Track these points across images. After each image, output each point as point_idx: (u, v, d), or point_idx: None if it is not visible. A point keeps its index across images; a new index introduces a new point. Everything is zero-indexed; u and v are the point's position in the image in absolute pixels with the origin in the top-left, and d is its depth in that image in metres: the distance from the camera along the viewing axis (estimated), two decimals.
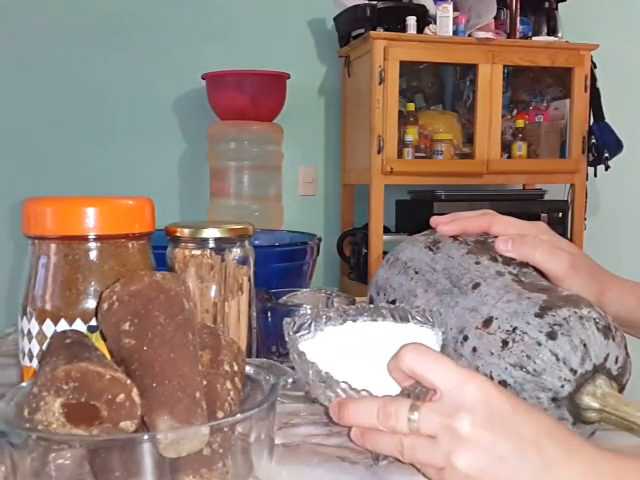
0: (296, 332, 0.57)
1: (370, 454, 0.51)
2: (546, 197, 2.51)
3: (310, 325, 0.58)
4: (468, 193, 2.43)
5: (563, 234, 2.38)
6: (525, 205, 2.47)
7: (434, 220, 0.66)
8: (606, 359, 0.52)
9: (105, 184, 2.38)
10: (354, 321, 0.59)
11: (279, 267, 0.87)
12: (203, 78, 2.36)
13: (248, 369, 0.51)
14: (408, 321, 0.58)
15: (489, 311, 0.56)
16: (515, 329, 0.53)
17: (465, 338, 0.56)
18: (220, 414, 0.44)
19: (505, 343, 0.53)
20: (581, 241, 2.44)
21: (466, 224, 0.65)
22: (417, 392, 0.47)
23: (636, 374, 0.60)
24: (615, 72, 2.64)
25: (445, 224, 0.65)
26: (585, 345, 0.51)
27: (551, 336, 0.52)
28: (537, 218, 2.38)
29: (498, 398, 0.44)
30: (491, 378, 0.53)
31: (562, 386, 0.51)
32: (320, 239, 0.93)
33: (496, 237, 0.65)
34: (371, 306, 0.61)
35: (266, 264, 0.81)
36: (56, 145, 2.43)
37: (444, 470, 0.44)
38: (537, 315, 0.53)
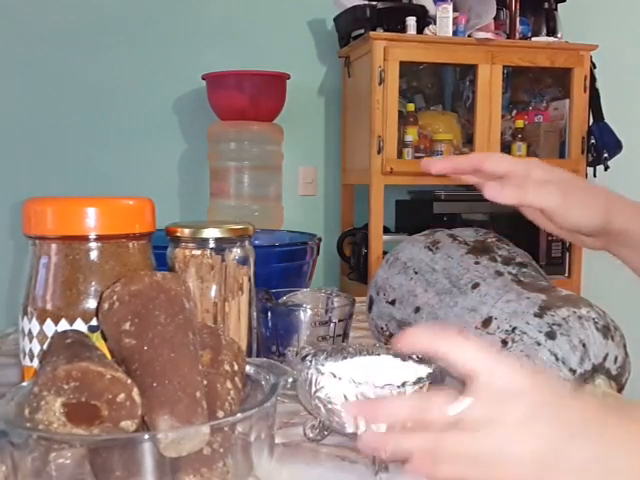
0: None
1: (372, 464, 0.51)
2: None
3: (311, 361, 0.58)
4: (468, 193, 2.42)
5: None
6: None
7: (425, 163, 0.60)
8: (605, 359, 0.52)
9: (105, 184, 2.38)
10: (352, 358, 0.59)
11: (279, 267, 0.87)
12: (203, 78, 2.36)
13: (248, 369, 0.51)
14: (405, 360, 0.58)
15: (488, 311, 0.56)
16: (514, 329, 0.53)
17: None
18: (220, 414, 0.44)
19: (504, 343, 0.53)
20: None
21: (457, 161, 0.61)
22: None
23: (636, 373, 0.60)
24: (615, 72, 2.64)
25: (435, 163, 0.60)
26: (584, 345, 0.51)
27: (550, 336, 0.52)
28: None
29: (542, 385, 0.42)
30: None
31: None
32: (320, 239, 0.93)
33: (496, 237, 0.65)
34: (369, 344, 0.61)
35: (266, 264, 0.81)
36: (56, 145, 2.43)
37: (489, 463, 0.41)
38: (536, 315, 0.53)
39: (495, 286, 0.57)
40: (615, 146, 2.41)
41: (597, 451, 0.40)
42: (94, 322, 0.52)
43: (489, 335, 0.54)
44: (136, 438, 0.41)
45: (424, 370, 0.54)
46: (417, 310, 0.62)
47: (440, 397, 0.43)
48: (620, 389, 0.54)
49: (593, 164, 2.46)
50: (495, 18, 2.35)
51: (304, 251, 0.90)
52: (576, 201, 0.58)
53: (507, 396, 0.41)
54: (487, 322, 0.55)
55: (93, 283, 0.54)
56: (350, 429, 0.51)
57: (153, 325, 0.44)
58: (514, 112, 2.59)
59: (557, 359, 0.51)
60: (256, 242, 0.77)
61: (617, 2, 2.82)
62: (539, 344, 0.52)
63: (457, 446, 0.42)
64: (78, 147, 2.44)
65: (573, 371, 0.51)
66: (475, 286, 0.59)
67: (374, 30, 2.25)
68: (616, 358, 0.53)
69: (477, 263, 0.61)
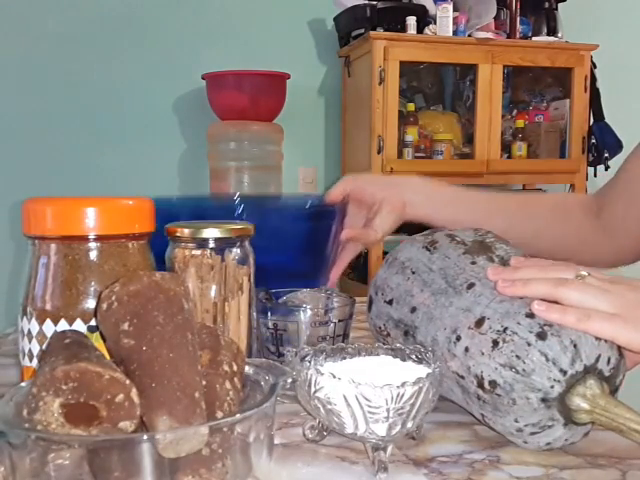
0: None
1: (372, 465, 0.51)
2: None
3: (310, 362, 0.58)
4: None
5: None
6: None
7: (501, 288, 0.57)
8: (597, 360, 0.52)
9: (105, 184, 2.39)
10: (351, 358, 0.59)
11: (307, 229, 0.79)
12: (203, 78, 2.36)
13: (248, 369, 0.51)
14: (405, 360, 0.58)
15: (482, 311, 0.56)
16: (506, 329, 0.53)
17: (458, 338, 0.56)
18: (219, 414, 0.44)
19: (495, 343, 0.53)
20: None
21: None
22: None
23: (631, 375, 0.60)
24: (615, 72, 2.64)
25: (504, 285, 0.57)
26: (575, 346, 0.51)
27: (541, 336, 0.52)
28: None
29: None
30: (482, 378, 0.53)
31: (552, 387, 0.51)
32: (347, 203, 0.86)
33: (494, 237, 0.65)
34: (368, 345, 0.61)
35: (294, 226, 0.76)
36: (56, 145, 2.43)
37: (615, 316, 0.51)
38: (528, 315, 0.53)
39: (490, 286, 0.57)
40: (616, 146, 2.41)
41: None
42: (93, 322, 0.52)
43: (481, 335, 0.54)
44: (135, 439, 0.41)
45: (424, 370, 0.54)
46: (413, 310, 0.62)
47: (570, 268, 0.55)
48: (614, 391, 0.54)
49: (594, 164, 2.46)
50: (495, 18, 2.35)
51: (333, 212, 0.81)
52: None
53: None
54: (480, 322, 0.55)
55: (92, 283, 0.54)
56: (349, 429, 0.51)
57: (152, 325, 0.44)
58: (514, 112, 2.59)
59: (547, 359, 0.51)
60: (276, 206, 0.75)
61: (617, 2, 2.82)
62: (529, 344, 0.52)
63: (581, 294, 0.53)
64: (78, 147, 2.44)
65: (564, 372, 0.51)
66: (470, 286, 0.59)
67: (374, 30, 2.25)
68: (609, 359, 0.53)
69: (473, 263, 0.61)
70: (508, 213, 0.89)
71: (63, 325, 0.53)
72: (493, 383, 0.52)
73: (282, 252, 0.69)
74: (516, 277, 0.56)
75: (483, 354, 0.54)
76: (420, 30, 2.28)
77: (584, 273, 0.55)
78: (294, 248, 0.71)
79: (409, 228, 0.88)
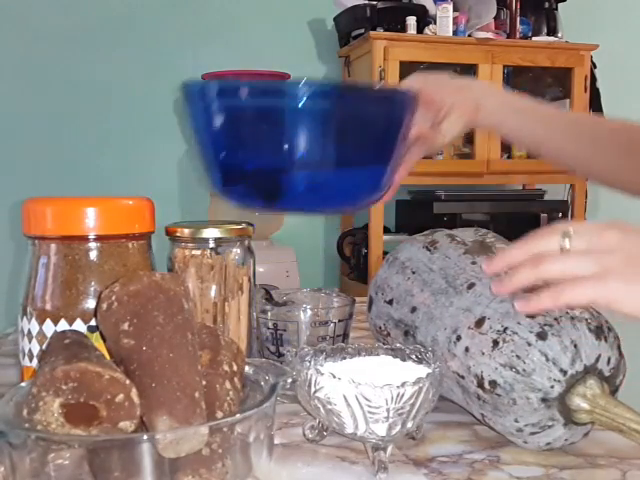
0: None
1: (371, 465, 0.51)
2: (546, 197, 2.51)
3: (310, 362, 0.58)
4: (468, 193, 2.42)
5: None
6: (525, 205, 2.47)
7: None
8: (597, 360, 0.52)
9: (105, 184, 2.38)
10: (351, 358, 0.59)
11: (377, 116, 0.64)
12: (203, 78, 2.36)
13: (247, 369, 0.51)
14: (405, 360, 0.58)
15: (482, 311, 0.56)
16: (506, 329, 0.53)
17: (458, 338, 0.56)
18: (219, 414, 0.44)
19: (495, 343, 0.53)
20: None
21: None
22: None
23: (631, 375, 0.60)
24: (615, 72, 2.64)
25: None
26: (576, 346, 0.51)
27: (541, 336, 0.52)
28: (537, 218, 2.39)
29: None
30: (482, 378, 0.53)
31: (552, 387, 0.51)
32: (416, 96, 0.69)
33: (495, 237, 0.65)
34: (368, 345, 0.61)
35: (363, 112, 0.62)
36: (56, 145, 2.43)
37: (601, 277, 0.47)
38: (528, 315, 0.53)
39: (490, 286, 0.57)
40: None
41: None
42: (93, 322, 0.52)
43: (482, 335, 0.54)
44: (135, 439, 0.41)
45: (424, 370, 0.54)
46: (413, 310, 0.62)
47: (553, 231, 0.51)
48: (614, 391, 0.54)
49: None
50: (495, 18, 2.35)
51: (403, 100, 0.65)
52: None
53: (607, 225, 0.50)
54: (480, 322, 0.55)
55: (92, 283, 0.54)
56: (349, 429, 0.51)
57: (152, 325, 0.44)
58: None
59: (547, 359, 0.51)
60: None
61: (617, 2, 2.82)
62: (530, 344, 0.52)
63: (569, 266, 0.49)
64: (78, 147, 2.44)
65: (564, 372, 0.51)
66: (471, 286, 0.59)
67: (374, 30, 2.25)
68: (609, 359, 0.53)
69: (474, 263, 0.61)
70: (583, 137, 0.81)
71: (63, 325, 0.53)
72: (493, 383, 0.52)
73: (348, 142, 0.61)
74: (503, 265, 0.53)
75: (483, 354, 0.54)
76: (420, 30, 2.28)
77: (569, 230, 0.50)
78: (361, 138, 0.62)
79: (409, 228, 0.88)
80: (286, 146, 0.59)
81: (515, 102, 0.82)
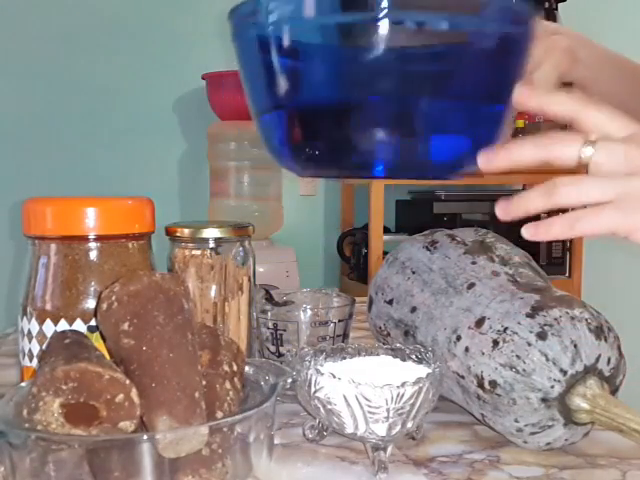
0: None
1: (371, 465, 0.51)
2: None
3: (310, 362, 0.58)
4: (468, 193, 2.42)
5: None
6: None
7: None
8: (597, 360, 0.52)
9: (105, 184, 2.38)
10: (351, 358, 0.59)
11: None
12: (203, 78, 2.36)
13: (247, 369, 0.51)
14: (405, 360, 0.58)
15: (482, 311, 0.56)
16: (506, 329, 0.53)
17: (458, 338, 0.56)
18: (219, 414, 0.44)
19: (495, 343, 0.53)
20: (581, 241, 2.44)
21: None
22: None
23: (631, 375, 0.60)
24: None
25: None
26: (576, 346, 0.51)
27: (541, 336, 0.52)
28: (537, 218, 2.38)
29: None
30: (482, 378, 0.53)
31: (552, 387, 0.51)
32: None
33: (495, 237, 0.65)
34: (368, 345, 0.61)
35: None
36: (56, 145, 2.43)
37: (622, 204, 0.43)
38: (528, 315, 0.53)
39: (490, 286, 0.57)
40: None
41: None
42: (93, 322, 0.52)
43: (482, 335, 0.54)
44: (135, 439, 0.41)
45: (424, 370, 0.54)
46: (413, 310, 0.62)
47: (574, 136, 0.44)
48: (614, 391, 0.54)
49: None
50: None
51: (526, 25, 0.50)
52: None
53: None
54: (480, 322, 0.55)
55: (92, 283, 0.54)
56: (349, 429, 0.51)
57: (152, 325, 0.44)
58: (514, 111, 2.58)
59: (547, 359, 0.51)
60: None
61: (617, 2, 2.82)
62: (530, 344, 0.52)
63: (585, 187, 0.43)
64: (78, 147, 2.44)
65: (564, 372, 0.51)
66: (471, 286, 0.59)
67: None
68: (609, 359, 0.53)
69: (474, 263, 0.61)
70: None
71: (63, 325, 0.53)
72: (493, 383, 0.53)
73: (457, 69, 0.49)
74: (511, 159, 0.47)
75: (483, 354, 0.54)
76: None
77: (594, 138, 0.44)
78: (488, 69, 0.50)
79: (409, 228, 0.88)
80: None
81: (612, 56, 0.72)
